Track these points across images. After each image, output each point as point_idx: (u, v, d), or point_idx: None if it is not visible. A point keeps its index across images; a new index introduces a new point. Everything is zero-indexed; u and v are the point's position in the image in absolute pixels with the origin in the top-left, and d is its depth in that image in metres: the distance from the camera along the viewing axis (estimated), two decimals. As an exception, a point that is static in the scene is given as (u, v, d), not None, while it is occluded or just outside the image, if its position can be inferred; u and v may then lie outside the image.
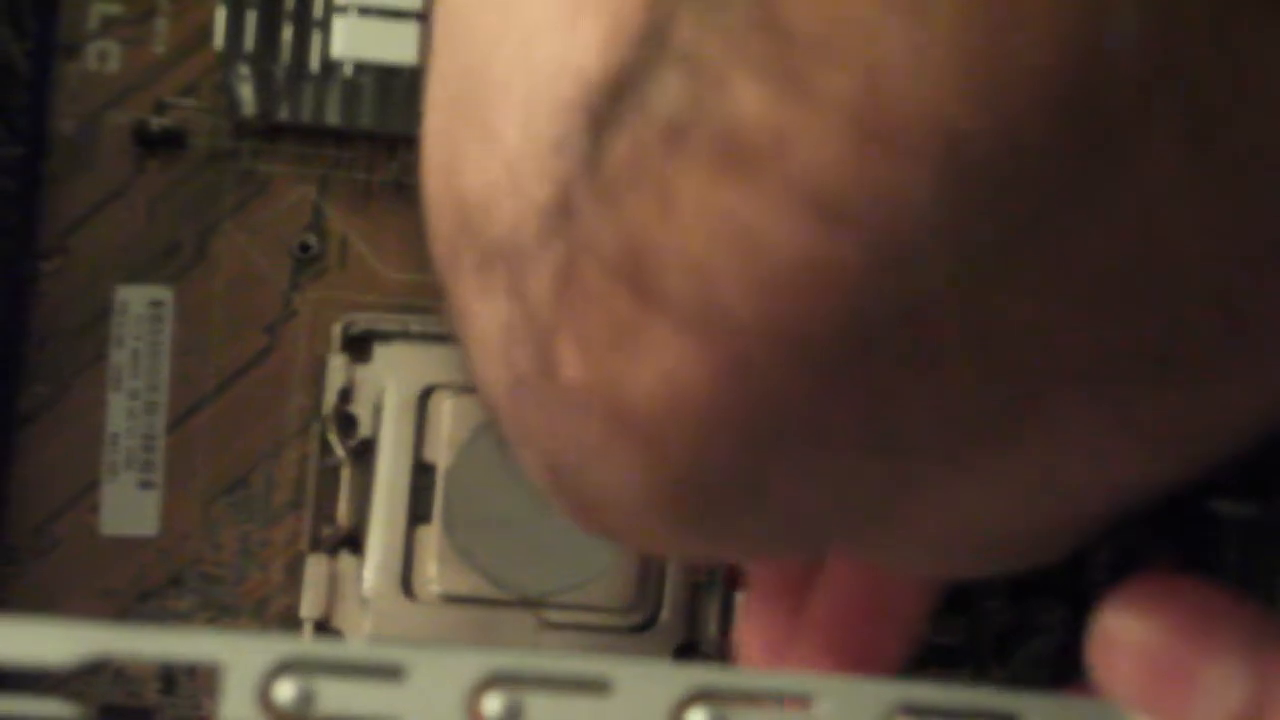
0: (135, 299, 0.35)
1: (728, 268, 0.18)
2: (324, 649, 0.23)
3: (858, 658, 0.28)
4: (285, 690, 0.22)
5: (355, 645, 0.23)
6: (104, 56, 0.35)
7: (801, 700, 0.24)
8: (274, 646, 0.22)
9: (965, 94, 0.16)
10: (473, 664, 0.23)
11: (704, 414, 0.20)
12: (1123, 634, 0.24)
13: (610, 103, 0.19)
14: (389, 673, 0.23)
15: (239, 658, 0.22)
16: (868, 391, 0.19)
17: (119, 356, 0.35)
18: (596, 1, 0.20)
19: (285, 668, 0.22)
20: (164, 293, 0.35)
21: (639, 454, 0.21)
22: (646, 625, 0.35)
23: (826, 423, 0.20)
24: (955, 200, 0.17)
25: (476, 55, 0.22)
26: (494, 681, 0.23)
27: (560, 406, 0.21)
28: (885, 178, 0.17)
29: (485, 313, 0.22)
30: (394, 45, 0.33)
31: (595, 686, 0.23)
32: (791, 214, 0.17)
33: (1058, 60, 0.15)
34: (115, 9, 0.35)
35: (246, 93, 0.35)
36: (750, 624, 0.30)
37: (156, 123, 0.35)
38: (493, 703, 0.23)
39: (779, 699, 0.24)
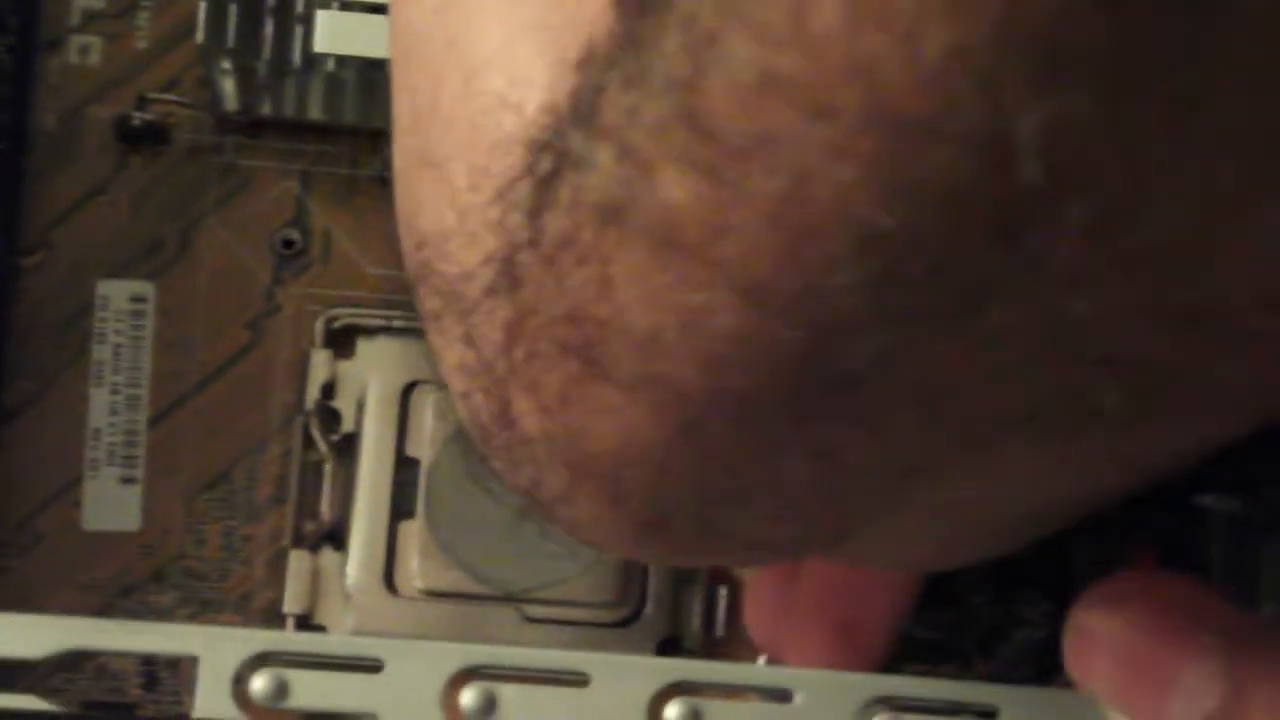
0: (117, 294, 0.35)
1: (670, 343, 0.19)
2: (299, 642, 0.23)
3: (846, 621, 0.29)
4: (260, 683, 0.22)
5: (331, 638, 0.23)
6: (86, 50, 0.35)
7: (779, 693, 0.24)
8: (249, 640, 0.22)
9: (882, 197, 0.17)
10: (449, 658, 0.23)
11: (662, 469, 0.20)
12: (1099, 630, 0.24)
13: (549, 173, 0.19)
14: (365, 666, 0.23)
15: (214, 651, 0.22)
16: (815, 447, 0.20)
17: (101, 352, 0.35)
18: (535, 45, 0.20)
19: (260, 661, 0.22)
20: (146, 288, 0.35)
21: (603, 500, 0.21)
22: (629, 620, 0.35)
23: (778, 473, 0.20)
24: (880, 288, 0.18)
25: (424, 89, 0.22)
26: (470, 675, 0.23)
27: (521, 453, 0.21)
28: (814, 270, 0.17)
29: (444, 353, 0.22)
30: (377, 39, 0.33)
31: (572, 680, 0.23)
32: (727, 298, 0.18)
33: (965, 166, 0.16)
34: (97, 3, 0.35)
35: (229, 87, 0.34)
36: (751, 595, 0.31)
37: (139, 117, 0.35)
38: (469, 696, 0.23)
39: (756, 692, 0.24)
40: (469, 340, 0.21)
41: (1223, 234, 0.17)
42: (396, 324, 0.35)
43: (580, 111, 0.19)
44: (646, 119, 0.18)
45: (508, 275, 0.20)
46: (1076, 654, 0.24)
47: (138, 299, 0.35)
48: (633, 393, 0.20)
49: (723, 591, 0.35)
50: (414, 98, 0.23)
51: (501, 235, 0.20)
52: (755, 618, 0.31)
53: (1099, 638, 0.24)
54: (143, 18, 0.35)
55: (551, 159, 0.19)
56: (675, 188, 0.18)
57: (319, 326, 0.35)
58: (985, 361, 0.19)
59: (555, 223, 0.19)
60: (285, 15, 0.34)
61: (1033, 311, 0.18)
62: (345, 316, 0.35)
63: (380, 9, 0.33)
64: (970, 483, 0.21)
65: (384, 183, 0.36)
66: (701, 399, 0.19)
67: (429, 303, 0.22)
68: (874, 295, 0.18)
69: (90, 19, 0.35)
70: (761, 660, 0.32)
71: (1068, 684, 0.25)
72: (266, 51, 0.34)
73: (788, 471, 0.20)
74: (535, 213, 0.20)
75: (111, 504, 0.35)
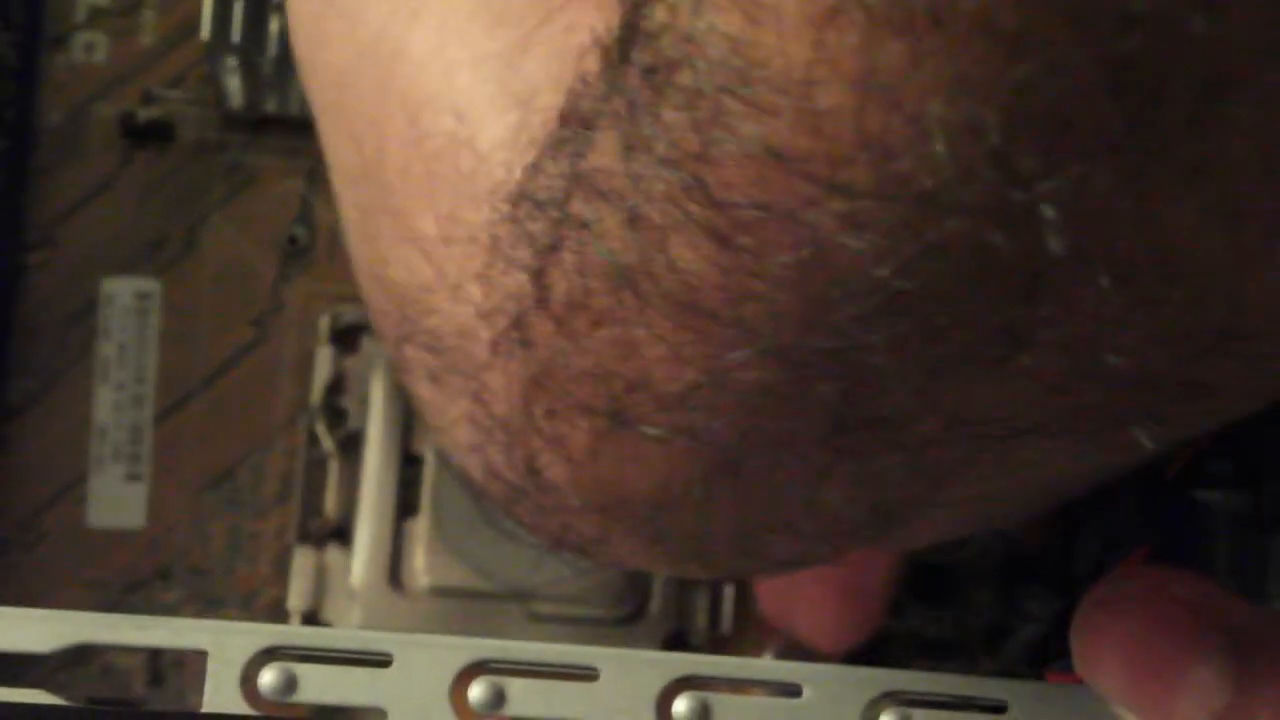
0: (122, 291, 0.35)
1: (702, 398, 0.19)
2: (308, 636, 0.23)
3: (849, 585, 0.31)
4: (269, 677, 0.22)
5: (340, 633, 0.23)
6: (91, 48, 0.35)
7: (788, 688, 0.23)
8: (257, 634, 0.22)
9: (901, 265, 0.17)
10: (457, 652, 0.23)
11: (702, 508, 0.21)
12: (1107, 628, 0.24)
13: (545, 231, 0.19)
14: (374, 660, 0.23)
15: (222, 645, 0.22)
16: (854, 474, 0.20)
17: (106, 349, 0.35)
18: (478, 78, 0.20)
19: (269, 655, 0.22)
20: (151, 285, 0.35)
21: (641, 540, 0.22)
22: (635, 617, 0.34)
23: (819, 501, 0.21)
24: (909, 343, 0.18)
25: (366, 135, 0.22)
26: (479, 669, 0.23)
27: (550, 503, 0.22)
28: (842, 332, 0.18)
29: (442, 403, 0.22)
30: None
31: (581, 674, 0.23)
32: (757, 357, 0.18)
33: (985, 234, 0.16)
34: (102, 0, 0.35)
35: (234, 84, 0.34)
36: None
37: (144, 114, 0.35)
38: (477, 690, 0.23)
39: (765, 687, 0.24)
40: (478, 397, 0.21)
41: (1244, 273, 0.17)
42: (402, 321, 0.35)
43: (568, 169, 0.19)
44: (655, 187, 0.18)
45: (517, 333, 0.20)
46: (1084, 651, 0.24)
47: (143, 296, 0.35)
48: (666, 443, 0.20)
49: (728, 589, 0.35)
50: (357, 145, 0.23)
51: (501, 292, 0.20)
52: (765, 586, 0.32)
53: (1107, 635, 0.24)
54: (148, 15, 0.35)
55: (543, 217, 0.19)
56: (691, 255, 0.18)
57: (324, 324, 0.35)
58: (1016, 392, 0.19)
59: (564, 284, 0.19)
60: (290, 12, 0.34)
61: (1063, 352, 0.18)
62: (350, 313, 0.35)
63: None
64: (999, 478, 0.21)
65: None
66: (738, 444, 0.19)
67: (417, 356, 0.22)
68: (904, 349, 0.18)
69: (96, 16, 0.35)
70: (769, 654, 0.32)
71: (1067, 670, 0.25)
72: (272, 49, 0.34)
73: (829, 497, 0.20)
74: (539, 273, 0.19)
75: (116, 501, 0.34)
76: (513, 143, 0.20)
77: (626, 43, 0.18)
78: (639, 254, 0.18)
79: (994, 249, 0.17)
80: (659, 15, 0.17)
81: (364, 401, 0.35)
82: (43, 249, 0.35)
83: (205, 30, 0.33)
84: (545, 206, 0.19)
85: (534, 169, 0.20)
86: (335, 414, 0.35)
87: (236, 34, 0.34)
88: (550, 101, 0.20)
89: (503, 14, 0.21)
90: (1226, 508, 0.32)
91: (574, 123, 0.19)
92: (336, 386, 0.35)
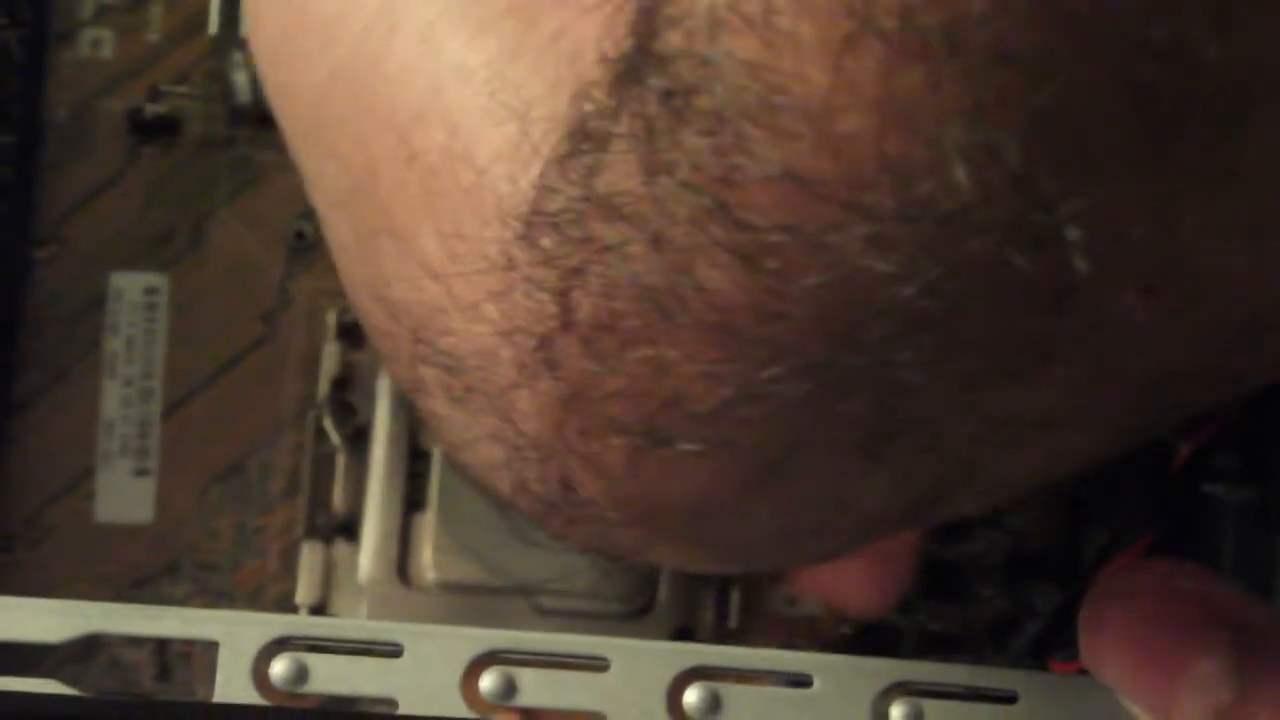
0: (130, 286, 0.35)
1: (738, 413, 0.19)
2: (319, 627, 0.23)
3: (879, 550, 0.30)
4: (280, 667, 0.22)
5: (350, 623, 0.23)
6: (98, 43, 0.35)
7: (799, 678, 0.24)
8: (268, 624, 0.22)
9: (926, 284, 0.17)
10: (468, 643, 0.23)
11: (744, 515, 0.21)
12: (1113, 621, 0.24)
13: (567, 255, 0.19)
14: (384, 651, 0.23)
15: (234, 635, 0.22)
16: (892, 476, 0.20)
17: (114, 344, 0.35)
18: (484, 95, 0.21)
19: (280, 645, 0.22)
20: (159, 280, 0.35)
21: (683, 547, 0.22)
22: (643, 612, 0.34)
23: (859, 501, 0.21)
24: (940, 358, 0.18)
25: (354, 156, 0.22)
26: (489, 660, 0.23)
27: (587, 516, 0.22)
28: (871, 349, 0.18)
29: (464, 422, 0.22)
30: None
31: (592, 665, 0.23)
32: (789, 373, 0.18)
33: (1009, 252, 0.17)
34: (109, -4, 0.35)
35: (241, 80, 0.34)
36: None
37: (151, 110, 0.35)
38: (488, 681, 0.23)
39: (776, 677, 0.24)
40: (506, 417, 0.21)
41: (1268, 276, 0.18)
42: (409, 316, 0.35)
43: (582, 190, 0.19)
44: (679, 211, 0.18)
45: (543, 354, 0.20)
46: (1090, 644, 0.24)
47: (150, 291, 0.35)
48: (703, 457, 0.20)
49: (735, 584, 0.35)
50: (343, 166, 0.23)
51: (522, 313, 0.20)
52: None
53: (1112, 628, 0.24)
54: (155, 10, 0.35)
55: (562, 239, 0.19)
56: (718, 276, 0.18)
57: (331, 319, 0.35)
58: (1046, 396, 0.19)
59: (589, 306, 0.19)
60: (298, 7, 0.34)
61: (1092, 361, 0.18)
62: (357, 309, 0.35)
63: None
64: (1028, 463, 0.21)
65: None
66: (774, 455, 0.20)
67: (434, 376, 0.22)
68: (934, 364, 0.18)
69: (102, 12, 0.35)
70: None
71: (1069, 660, 0.25)
72: (279, 44, 0.34)
73: (865, 499, 0.21)
74: (563, 294, 0.20)
75: (124, 496, 0.35)
76: (513, 155, 0.20)
77: (638, 65, 0.18)
78: (665, 276, 0.18)
79: (1018, 269, 0.17)
80: (674, 40, 0.17)
81: (371, 396, 0.35)
82: (50, 244, 0.35)
83: (213, 25, 0.33)
84: (564, 228, 0.19)
85: (545, 188, 0.20)
86: (343, 409, 0.35)
87: (243, 29, 0.34)
88: (548, 111, 0.20)
89: (483, 22, 0.21)
90: (1233, 502, 0.32)
91: (582, 140, 0.19)
92: (344, 381, 0.35)
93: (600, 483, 0.21)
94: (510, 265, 0.20)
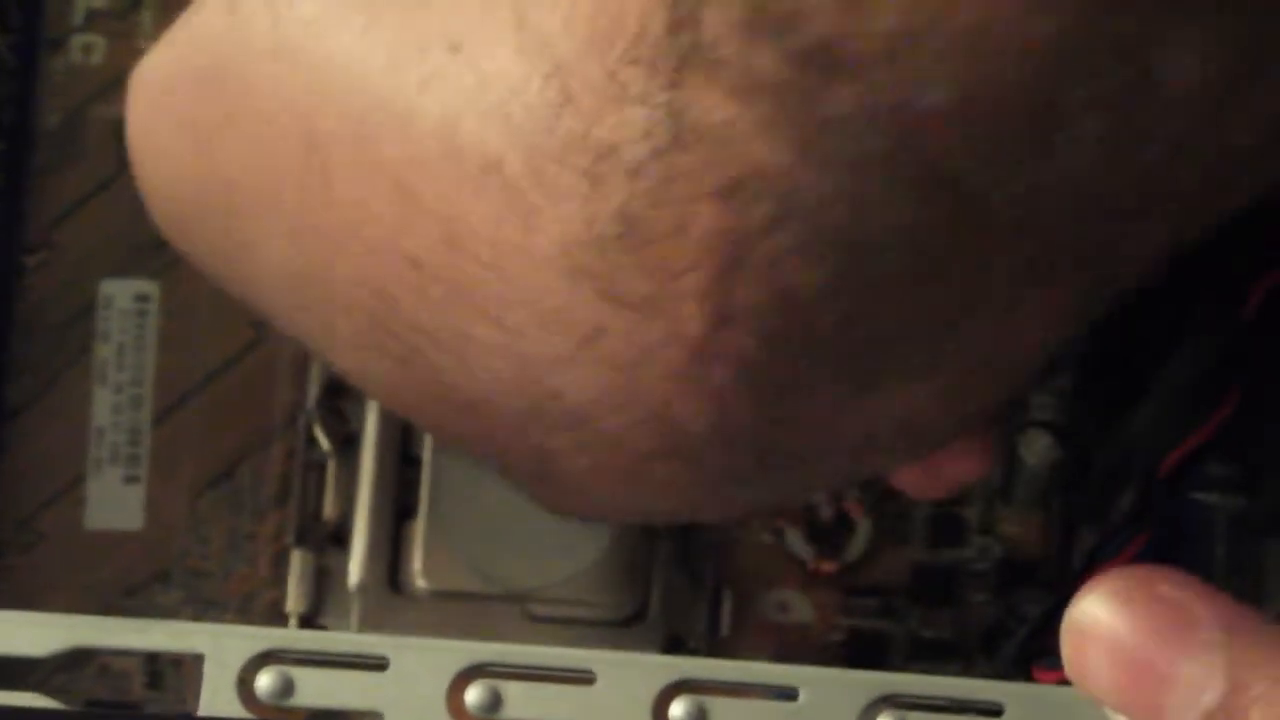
0: (121, 293, 0.35)
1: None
2: (304, 640, 0.23)
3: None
4: (265, 681, 0.22)
5: (336, 636, 0.23)
6: (89, 49, 0.35)
7: (785, 691, 0.24)
8: (254, 637, 0.22)
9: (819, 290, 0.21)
10: (454, 655, 0.23)
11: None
12: (1096, 627, 0.24)
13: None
14: (370, 664, 0.23)
15: (219, 648, 0.22)
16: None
17: (104, 351, 0.35)
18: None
19: (266, 659, 0.22)
20: (150, 287, 0.35)
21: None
22: (634, 619, 0.34)
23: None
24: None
25: (358, 299, 0.24)
26: (476, 673, 0.23)
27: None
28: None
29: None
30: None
31: (578, 678, 0.23)
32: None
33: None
34: (100, 2, 0.35)
35: (232, 86, 0.34)
36: None
37: (142, 116, 0.35)
38: (474, 694, 0.23)
39: (762, 690, 0.24)
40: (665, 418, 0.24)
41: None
42: (400, 323, 0.35)
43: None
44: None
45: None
46: (1073, 652, 0.24)
47: (141, 298, 0.35)
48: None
49: (727, 592, 0.35)
50: (372, 290, 0.24)
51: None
52: None
53: (1095, 635, 0.24)
54: (146, 17, 0.35)
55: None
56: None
57: (322, 325, 0.35)
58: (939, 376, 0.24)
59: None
60: (288, 14, 0.34)
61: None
62: (348, 315, 0.35)
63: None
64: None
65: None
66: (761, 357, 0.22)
67: (560, 441, 0.24)
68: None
69: (93, 18, 0.35)
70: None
71: (1053, 667, 0.25)
72: (270, 50, 0.34)
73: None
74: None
75: (114, 503, 0.35)
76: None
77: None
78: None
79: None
80: None
81: (362, 403, 0.35)
82: (40, 251, 0.35)
83: (203, 32, 0.33)
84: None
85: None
86: (333, 416, 0.35)
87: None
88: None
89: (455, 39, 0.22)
90: (1223, 510, 0.32)
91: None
92: (335, 388, 0.35)
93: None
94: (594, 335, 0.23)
